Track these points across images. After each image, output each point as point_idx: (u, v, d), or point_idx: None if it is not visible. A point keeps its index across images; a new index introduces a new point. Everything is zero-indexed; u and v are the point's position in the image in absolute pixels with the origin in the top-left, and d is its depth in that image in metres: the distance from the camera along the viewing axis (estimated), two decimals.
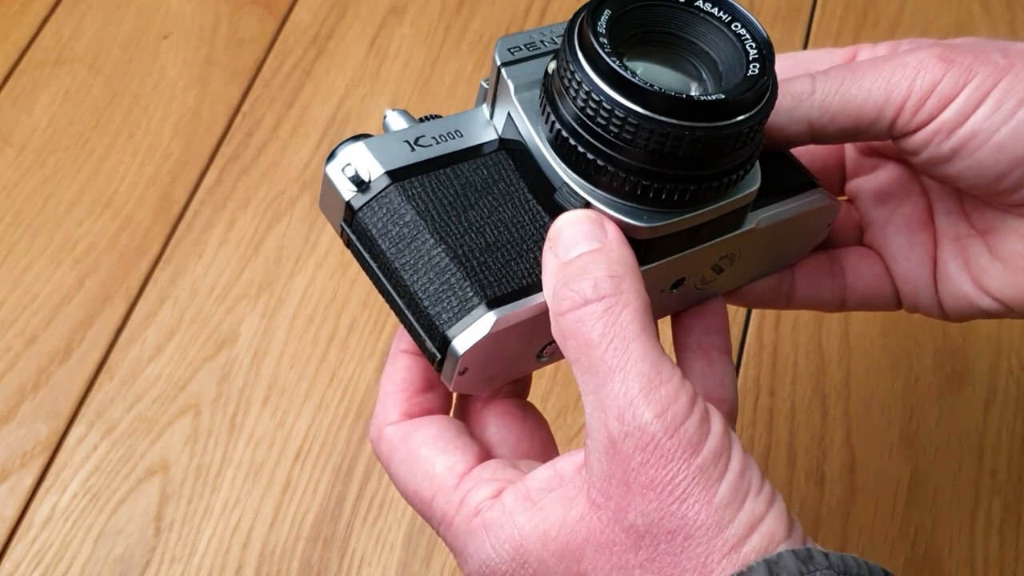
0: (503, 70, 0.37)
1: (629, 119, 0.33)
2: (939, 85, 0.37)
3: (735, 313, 0.67)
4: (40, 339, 0.65)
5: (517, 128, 0.37)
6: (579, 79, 0.34)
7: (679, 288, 0.40)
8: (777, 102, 0.36)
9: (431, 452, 0.37)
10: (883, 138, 0.39)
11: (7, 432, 0.62)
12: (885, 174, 0.44)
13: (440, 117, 0.39)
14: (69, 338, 0.65)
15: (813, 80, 0.39)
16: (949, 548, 0.60)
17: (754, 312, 0.67)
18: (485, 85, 0.39)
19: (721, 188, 0.36)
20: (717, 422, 0.32)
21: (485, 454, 0.38)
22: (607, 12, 0.34)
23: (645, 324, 0.32)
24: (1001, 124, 0.37)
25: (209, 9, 0.80)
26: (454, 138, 0.38)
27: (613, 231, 0.34)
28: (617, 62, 0.33)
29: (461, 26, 0.79)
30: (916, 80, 0.37)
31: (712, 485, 0.31)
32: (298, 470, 0.61)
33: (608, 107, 0.33)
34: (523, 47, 0.38)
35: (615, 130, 0.34)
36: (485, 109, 0.39)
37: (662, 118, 0.33)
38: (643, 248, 0.36)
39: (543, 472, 0.34)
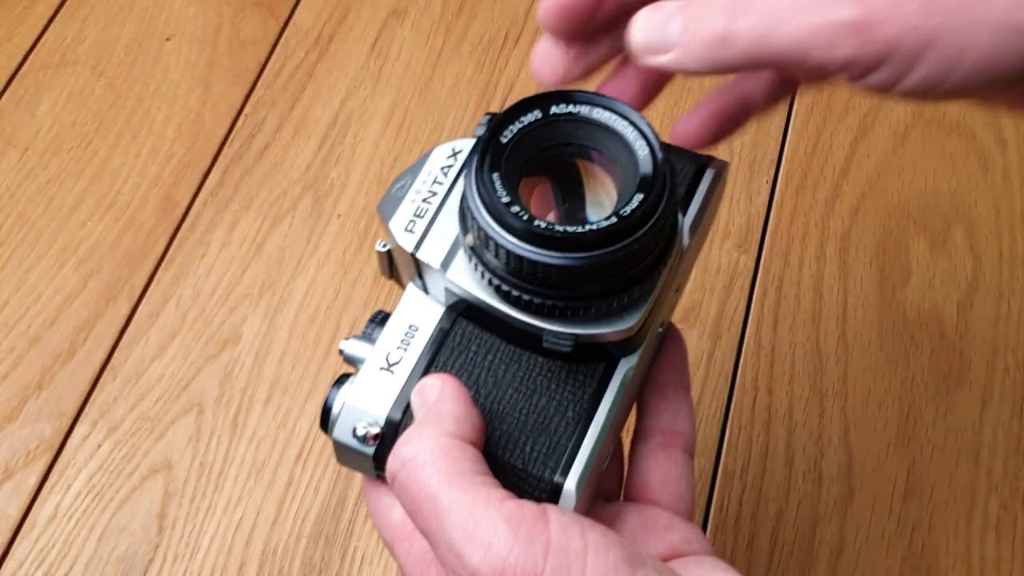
0: (419, 256, 0.37)
1: (575, 268, 0.33)
2: None
3: (733, 314, 0.67)
4: (44, 339, 0.65)
5: (462, 296, 0.37)
6: (518, 255, 0.33)
7: (664, 325, 0.41)
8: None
9: (392, 501, 0.37)
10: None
11: (11, 431, 0.62)
12: None
13: (384, 314, 0.39)
14: (72, 338, 0.65)
15: None
16: (946, 546, 0.60)
17: (752, 313, 0.67)
18: (380, 248, 0.39)
19: (669, 257, 0.36)
20: (556, 529, 0.30)
21: None
22: (496, 175, 0.34)
23: (446, 471, 0.31)
24: None
25: (212, 11, 0.80)
26: (414, 337, 0.38)
27: (433, 391, 0.34)
28: (543, 225, 0.33)
29: (462, 28, 0.80)
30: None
31: None
32: (300, 469, 0.61)
33: (553, 266, 0.33)
34: (415, 217, 0.37)
35: (570, 283, 0.34)
36: (416, 287, 0.39)
37: (604, 251, 0.33)
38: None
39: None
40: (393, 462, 0.33)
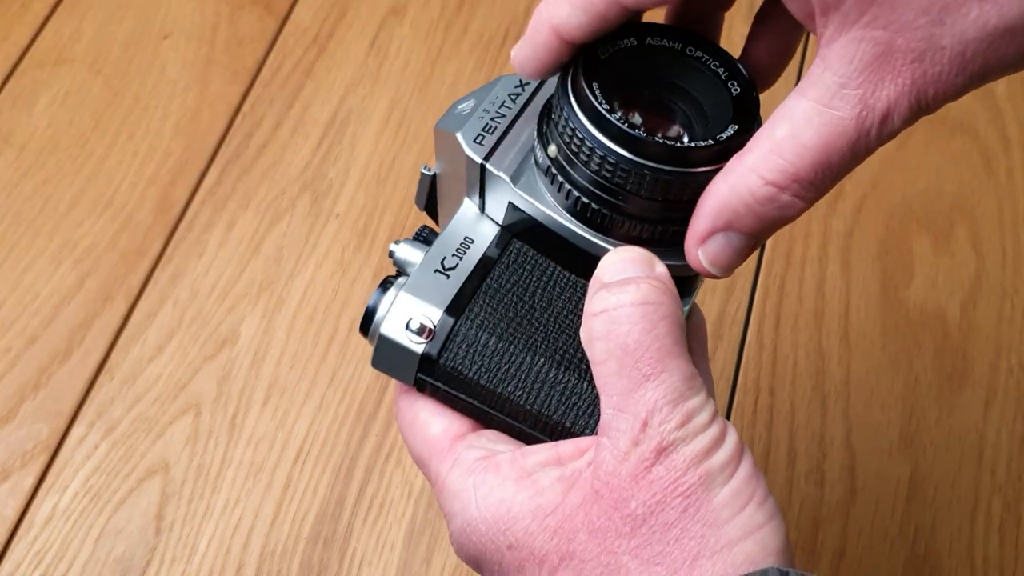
0: (488, 167, 0.37)
1: (665, 182, 0.34)
2: None
3: (735, 313, 0.67)
4: (40, 339, 0.65)
5: (527, 212, 0.37)
6: (612, 161, 0.34)
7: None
8: None
9: (430, 416, 0.37)
10: None
11: (8, 432, 0.62)
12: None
13: (431, 230, 0.39)
14: (69, 338, 0.65)
15: None
16: (949, 547, 0.60)
17: (754, 313, 0.67)
18: (426, 172, 0.39)
19: None
20: (732, 436, 0.34)
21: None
22: (595, 84, 0.34)
23: (678, 338, 0.33)
24: None
25: (209, 9, 0.80)
26: (469, 248, 0.38)
27: (663, 268, 0.35)
28: (642, 133, 0.33)
29: (461, 26, 0.79)
30: None
31: (716, 487, 0.32)
32: (298, 470, 0.61)
33: (647, 176, 0.34)
34: (483, 132, 0.38)
35: (656, 198, 0.34)
36: (473, 204, 0.39)
37: (700, 170, 0.34)
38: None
39: (543, 451, 0.35)
40: (633, 295, 0.33)
